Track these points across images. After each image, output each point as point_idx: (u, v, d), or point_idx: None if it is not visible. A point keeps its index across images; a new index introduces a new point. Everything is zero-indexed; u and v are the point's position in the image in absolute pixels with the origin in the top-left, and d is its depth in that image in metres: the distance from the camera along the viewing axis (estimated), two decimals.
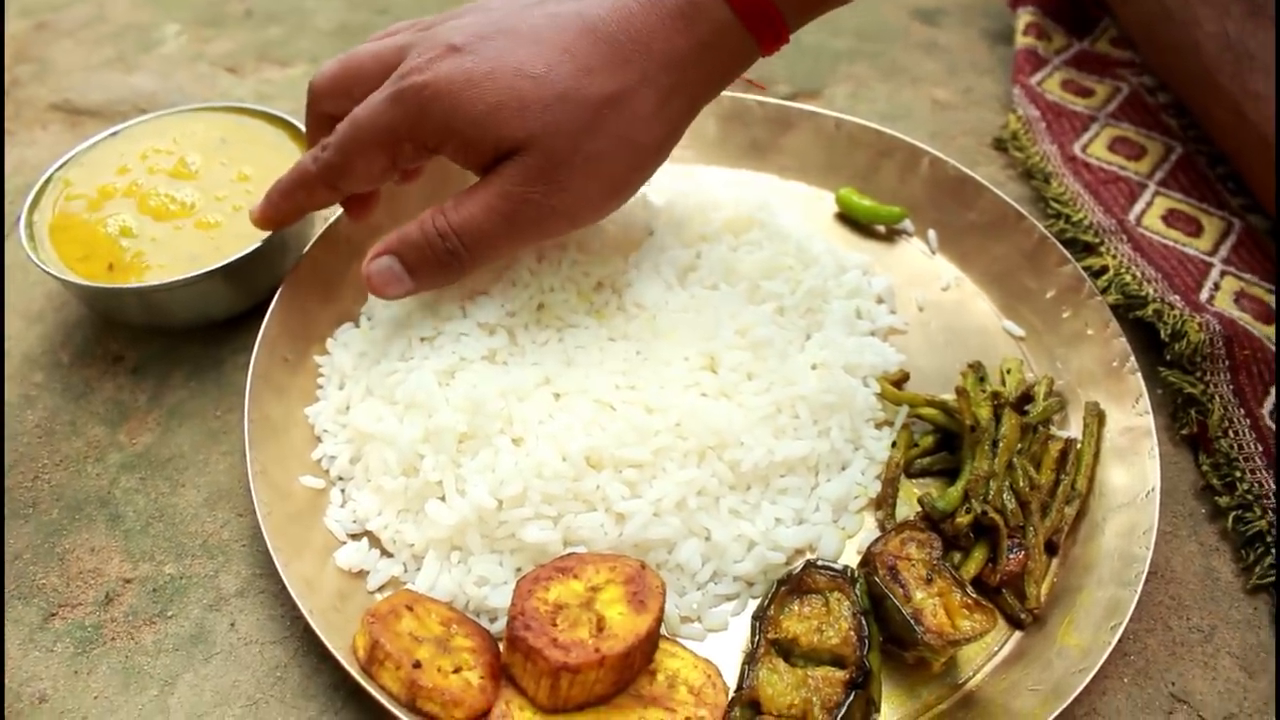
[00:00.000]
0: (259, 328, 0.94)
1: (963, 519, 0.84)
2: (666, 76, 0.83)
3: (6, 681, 0.80)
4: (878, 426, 0.95)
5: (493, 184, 0.84)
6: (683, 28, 0.83)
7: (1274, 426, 0.94)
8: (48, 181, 1.03)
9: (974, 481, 0.86)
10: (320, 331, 0.99)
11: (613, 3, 0.83)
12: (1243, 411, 0.95)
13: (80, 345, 1.05)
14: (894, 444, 0.94)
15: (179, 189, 1.03)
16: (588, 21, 0.82)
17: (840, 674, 0.75)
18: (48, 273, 0.95)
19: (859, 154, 1.15)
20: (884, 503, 0.90)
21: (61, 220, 1.01)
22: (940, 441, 0.94)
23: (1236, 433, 0.94)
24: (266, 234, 0.97)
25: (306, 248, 1.01)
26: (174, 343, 1.04)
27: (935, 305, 1.06)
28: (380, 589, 0.84)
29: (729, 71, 0.88)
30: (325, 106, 0.91)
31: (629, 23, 0.82)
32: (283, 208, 0.94)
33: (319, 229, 1.03)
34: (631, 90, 0.82)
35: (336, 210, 1.04)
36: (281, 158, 1.07)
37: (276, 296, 0.96)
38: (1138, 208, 1.14)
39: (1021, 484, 0.87)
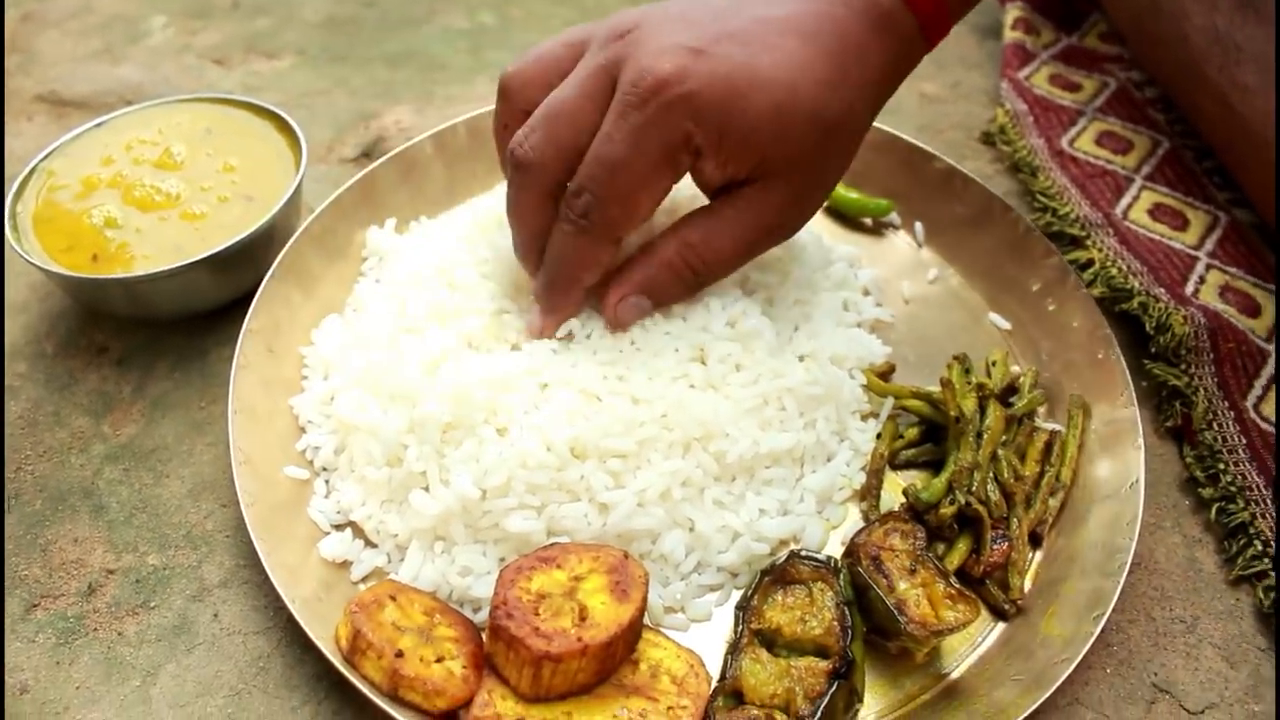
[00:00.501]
0: (243, 319, 0.94)
1: (946, 510, 0.84)
2: (875, 92, 0.83)
3: None
4: (863, 419, 0.96)
5: (747, 212, 0.83)
6: (883, 41, 0.82)
7: (1260, 419, 0.94)
8: (32, 172, 1.03)
9: (958, 473, 0.86)
10: (304, 322, 0.99)
11: (817, 11, 0.81)
12: (1227, 404, 0.95)
13: (64, 336, 1.04)
14: (879, 436, 0.94)
15: (164, 180, 1.03)
16: (806, 32, 0.80)
17: (823, 664, 0.75)
18: (32, 264, 0.95)
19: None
20: (868, 494, 0.90)
21: (46, 211, 1.01)
22: (925, 433, 0.94)
23: (1221, 425, 0.94)
24: (252, 225, 0.97)
25: (291, 240, 1.00)
26: (159, 334, 1.04)
27: (922, 298, 1.07)
28: (364, 579, 0.84)
29: (903, 79, 0.87)
30: (522, 101, 0.85)
31: (845, 37, 0.80)
32: (572, 298, 0.87)
33: (305, 221, 1.02)
34: (857, 111, 0.82)
35: (322, 202, 1.04)
36: (267, 148, 1.07)
37: (261, 287, 0.96)
38: (1124, 201, 1.14)
39: (1006, 475, 0.88)
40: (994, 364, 0.98)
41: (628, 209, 0.81)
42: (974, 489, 0.86)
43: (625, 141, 0.77)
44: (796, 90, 0.78)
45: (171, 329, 1.04)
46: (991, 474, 0.88)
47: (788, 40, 0.79)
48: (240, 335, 0.93)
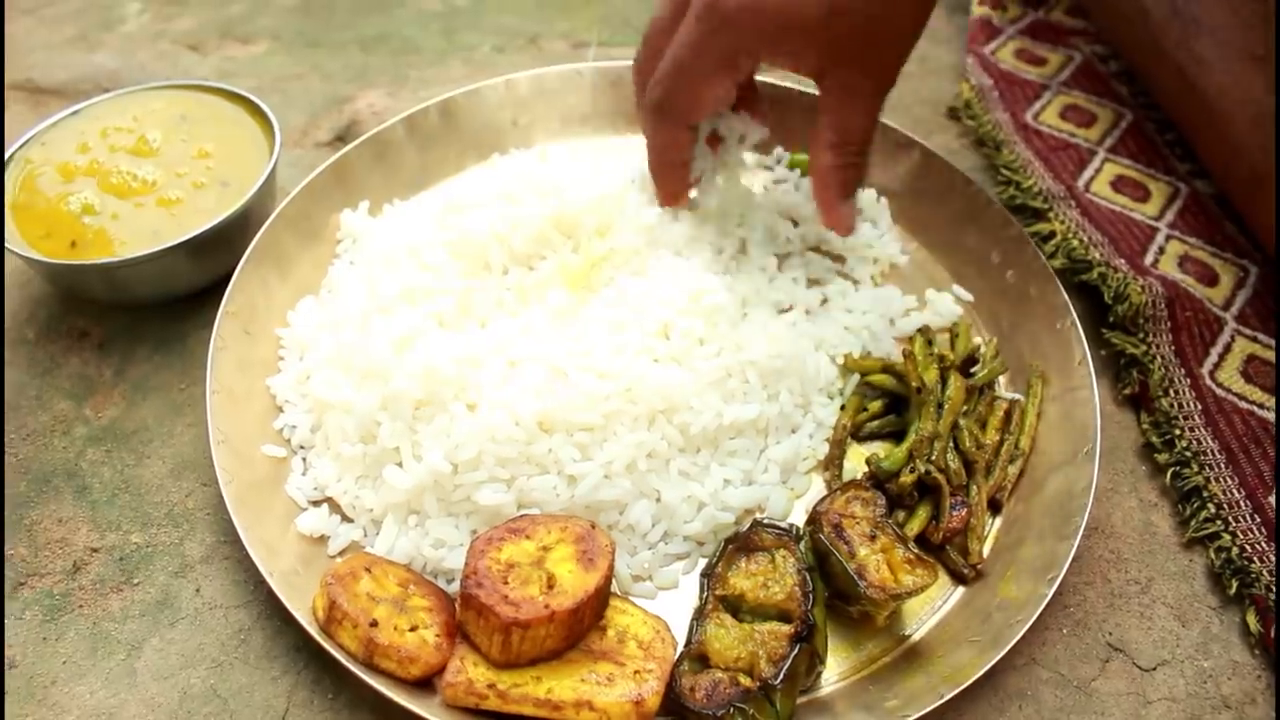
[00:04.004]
0: (221, 302, 0.96)
1: (907, 478, 0.87)
2: None
3: None
4: (829, 396, 0.98)
5: (844, 96, 0.91)
6: None
7: (1216, 386, 0.97)
8: (9, 160, 1.04)
9: (919, 442, 0.89)
10: (281, 304, 1.01)
11: None
12: (1183, 371, 0.98)
13: (45, 322, 1.06)
14: (843, 408, 0.96)
15: (140, 166, 1.04)
16: None
17: (786, 628, 0.78)
18: (11, 251, 0.97)
19: (813, 122, 1.16)
20: (831, 464, 0.92)
21: (24, 198, 1.02)
22: (889, 405, 0.97)
23: (1177, 392, 0.97)
24: (228, 210, 0.99)
25: (266, 223, 1.02)
26: (138, 318, 1.05)
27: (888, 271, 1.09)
28: (341, 553, 0.86)
29: None
30: (645, 73, 0.96)
31: None
32: (672, 176, 1.01)
33: (279, 204, 1.04)
34: None
35: (297, 185, 1.06)
36: (242, 133, 1.08)
37: (237, 271, 0.98)
38: (1087, 174, 1.16)
39: (967, 444, 0.90)
40: (957, 336, 1.01)
41: (692, 99, 0.93)
42: (934, 458, 0.88)
43: (689, 46, 0.89)
44: None
45: (150, 313, 1.06)
46: (953, 443, 0.90)
47: None
48: (218, 318, 0.95)
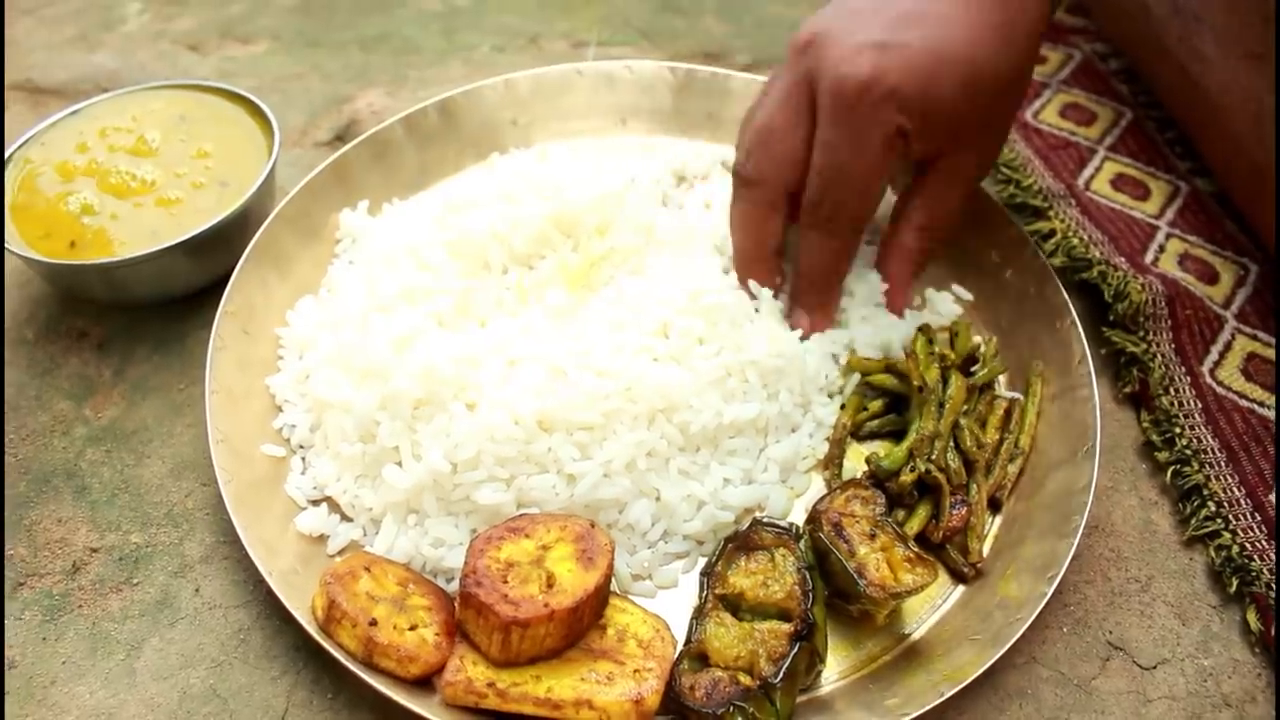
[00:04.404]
0: (220, 302, 0.96)
1: (907, 477, 0.87)
2: (1038, 34, 0.88)
3: None
4: (830, 396, 0.98)
5: (955, 177, 0.92)
6: None
7: (1216, 384, 0.97)
8: (8, 160, 1.04)
9: (919, 441, 0.89)
10: (280, 304, 1.00)
11: None
12: (1183, 369, 0.98)
13: (45, 322, 1.06)
14: (843, 407, 0.96)
15: (139, 166, 1.05)
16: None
17: (785, 627, 0.78)
18: (10, 251, 0.97)
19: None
20: (831, 463, 0.92)
21: (23, 199, 1.02)
22: (889, 404, 0.97)
23: (1177, 390, 0.97)
24: (227, 210, 0.99)
25: (266, 223, 1.02)
26: (137, 318, 1.06)
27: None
28: (340, 552, 0.86)
29: (1056, 12, 0.93)
30: (773, 193, 0.92)
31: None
32: (833, 293, 0.98)
33: (279, 204, 1.04)
34: (1027, 60, 0.89)
35: (296, 185, 1.06)
36: (241, 133, 1.08)
37: (237, 271, 0.98)
38: (1087, 172, 1.16)
39: (968, 444, 0.90)
40: (957, 335, 1.00)
41: (864, 201, 0.89)
42: (934, 457, 0.88)
43: (849, 145, 0.85)
44: (975, 62, 0.83)
45: (150, 313, 1.06)
46: (953, 442, 0.90)
47: (957, 10, 0.84)
48: (217, 317, 0.95)
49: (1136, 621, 0.86)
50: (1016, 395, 0.96)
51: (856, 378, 0.98)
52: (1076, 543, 0.82)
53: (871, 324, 1.00)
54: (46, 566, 0.88)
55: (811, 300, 0.97)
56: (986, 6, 0.84)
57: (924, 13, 0.84)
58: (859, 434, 0.95)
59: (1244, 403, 0.96)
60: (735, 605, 0.80)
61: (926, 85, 0.83)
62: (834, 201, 0.88)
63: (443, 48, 1.42)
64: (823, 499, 0.86)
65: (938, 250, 0.99)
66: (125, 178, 1.03)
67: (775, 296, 0.99)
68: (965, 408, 0.93)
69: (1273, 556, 0.86)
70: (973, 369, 0.98)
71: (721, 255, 1.02)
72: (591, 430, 0.85)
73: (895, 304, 0.99)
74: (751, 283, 0.97)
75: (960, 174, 0.93)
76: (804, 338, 0.97)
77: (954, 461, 0.89)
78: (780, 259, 0.98)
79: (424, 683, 0.76)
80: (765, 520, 0.84)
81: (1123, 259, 1.04)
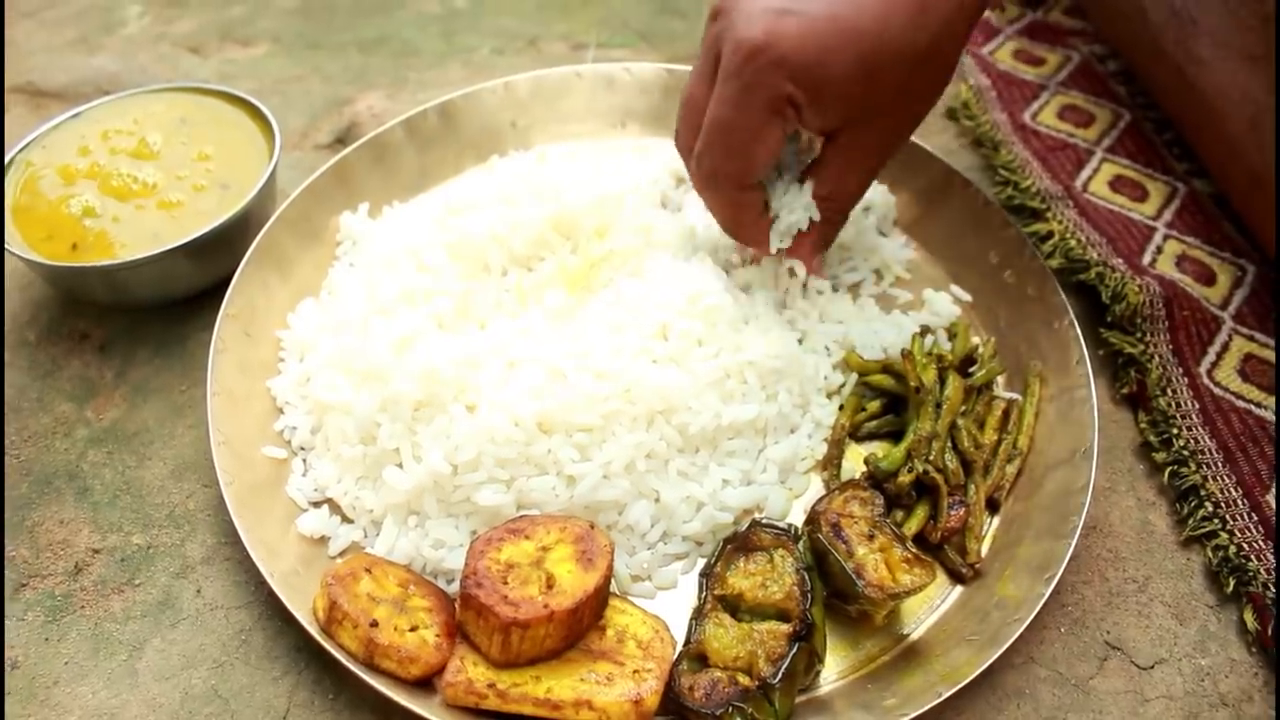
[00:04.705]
0: (221, 304, 0.96)
1: (905, 478, 0.87)
2: (961, 18, 0.85)
3: None
4: (828, 396, 0.98)
5: (854, 153, 0.90)
6: None
7: (1213, 385, 0.97)
8: (10, 163, 1.05)
9: (917, 442, 0.89)
10: (281, 306, 1.01)
11: None
12: (1181, 370, 0.98)
13: (46, 324, 1.06)
14: (841, 408, 0.96)
15: (140, 169, 1.05)
16: None
17: (784, 627, 0.78)
18: (12, 253, 0.97)
19: None
20: (830, 463, 0.93)
21: (25, 201, 1.02)
22: (887, 405, 0.97)
23: (1174, 391, 0.97)
24: (228, 212, 0.99)
25: (267, 226, 1.02)
26: (139, 320, 1.06)
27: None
28: (341, 554, 0.86)
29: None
30: (689, 144, 0.91)
31: None
32: (751, 236, 0.96)
33: (279, 207, 1.04)
34: (943, 44, 0.85)
35: (297, 188, 1.06)
36: (242, 136, 1.09)
37: (238, 273, 0.98)
38: (1085, 174, 1.17)
39: (966, 444, 0.90)
40: (955, 336, 1.01)
41: (742, 163, 0.88)
42: (932, 458, 0.88)
43: (731, 104, 0.84)
44: (882, 37, 0.81)
45: (151, 315, 1.06)
46: (950, 443, 0.90)
47: None
48: (218, 320, 0.95)
49: (1134, 621, 0.86)
50: (1015, 396, 0.97)
51: (855, 378, 0.98)
52: (1074, 543, 0.82)
53: (870, 325, 1.00)
54: (49, 567, 0.88)
55: (739, 241, 0.99)
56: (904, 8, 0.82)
57: None
58: (857, 435, 0.96)
59: (1241, 403, 0.96)
60: (734, 606, 0.80)
61: (820, 56, 0.81)
62: (712, 159, 0.88)
63: (442, 50, 1.42)
64: (821, 500, 0.86)
65: (838, 225, 0.97)
66: (127, 180, 1.04)
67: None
68: (963, 408, 0.93)
69: (1269, 556, 0.86)
70: (971, 370, 0.98)
71: (718, 253, 1.03)
72: (591, 432, 0.85)
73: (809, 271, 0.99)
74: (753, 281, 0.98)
75: (861, 149, 0.90)
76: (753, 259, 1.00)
77: (952, 462, 0.89)
78: (764, 223, 0.96)
79: (425, 683, 0.76)
80: (764, 521, 0.84)
81: (1120, 260, 1.04)
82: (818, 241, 0.97)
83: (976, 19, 0.88)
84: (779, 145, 0.87)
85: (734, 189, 0.91)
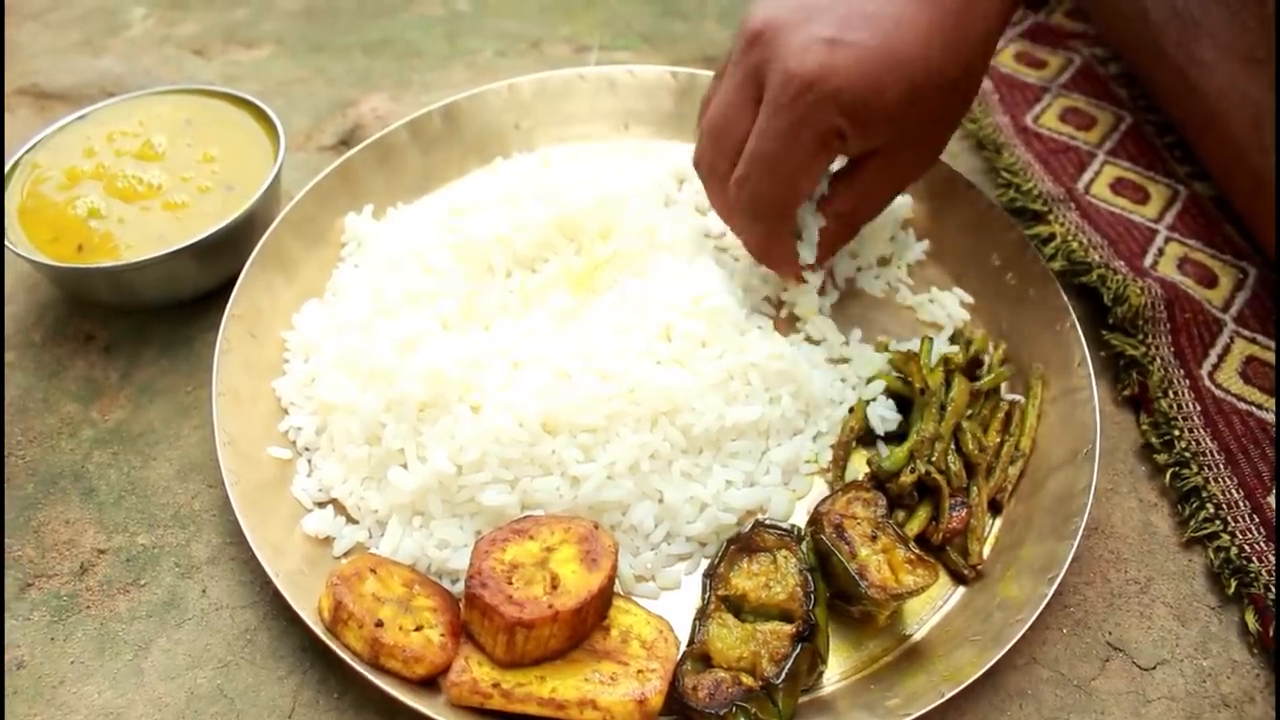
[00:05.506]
0: (226, 305, 0.97)
1: (907, 479, 0.87)
2: (991, 42, 0.86)
3: None
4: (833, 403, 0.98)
5: (885, 174, 0.91)
6: None
7: (1215, 387, 0.97)
8: (16, 165, 1.05)
9: (919, 443, 0.89)
10: (285, 307, 1.01)
11: None
12: (1182, 372, 0.98)
13: (52, 325, 1.07)
14: (851, 410, 0.96)
15: (146, 170, 1.05)
16: None
17: (787, 628, 0.78)
18: (18, 254, 0.98)
19: None
20: (835, 465, 0.93)
21: (31, 203, 1.03)
22: (896, 408, 0.97)
23: (1176, 393, 0.97)
24: (233, 214, 1.00)
25: (271, 227, 1.03)
26: (144, 321, 1.06)
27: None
28: (346, 554, 0.87)
29: (1010, 20, 0.89)
30: (721, 169, 0.91)
31: None
32: (783, 264, 0.96)
33: (284, 208, 1.05)
34: (976, 66, 0.87)
35: (301, 189, 1.06)
36: (246, 137, 1.09)
37: (243, 274, 0.99)
38: (1086, 176, 1.17)
39: (970, 446, 0.91)
40: (970, 342, 1.00)
41: (787, 193, 0.88)
42: (934, 459, 0.88)
43: (780, 137, 0.83)
44: (928, 64, 0.82)
45: (156, 316, 1.06)
46: (954, 444, 0.91)
47: (909, 9, 0.82)
48: (223, 321, 0.95)
49: (1136, 622, 0.86)
50: (1017, 398, 0.97)
51: (860, 387, 0.98)
52: (1076, 544, 0.83)
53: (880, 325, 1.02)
54: (54, 567, 0.89)
55: (767, 265, 0.98)
56: (945, 11, 0.83)
57: (877, 12, 0.82)
58: (862, 436, 0.96)
59: (1243, 405, 0.96)
60: (738, 606, 0.80)
61: (871, 87, 0.81)
62: (755, 187, 0.87)
63: (445, 52, 1.42)
64: (824, 501, 0.86)
65: (850, 236, 0.98)
66: (132, 182, 1.04)
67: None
68: (969, 412, 0.93)
69: (1271, 558, 0.86)
70: (977, 372, 0.98)
71: (721, 255, 1.03)
72: (595, 432, 0.85)
73: (795, 272, 0.98)
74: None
75: (894, 172, 0.92)
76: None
77: (955, 464, 0.89)
78: (795, 252, 0.96)
79: (429, 683, 0.77)
80: (767, 522, 0.84)
81: (1122, 262, 1.05)
82: (830, 253, 0.98)
83: (999, 39, 0.89)
84: (819, 175, 0.88)
85: (775, 219, 0.91)
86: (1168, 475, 0.94)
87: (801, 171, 0.86)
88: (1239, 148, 1.07)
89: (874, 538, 0.83)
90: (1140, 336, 1.00)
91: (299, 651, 0.83)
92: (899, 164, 0.91)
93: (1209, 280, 1.07)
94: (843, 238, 0.97)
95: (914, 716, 0.75)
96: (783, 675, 0.75)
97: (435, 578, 0.84)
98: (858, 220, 0.96)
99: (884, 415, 0.95)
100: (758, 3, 0.87)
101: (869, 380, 0.97)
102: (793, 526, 0.84)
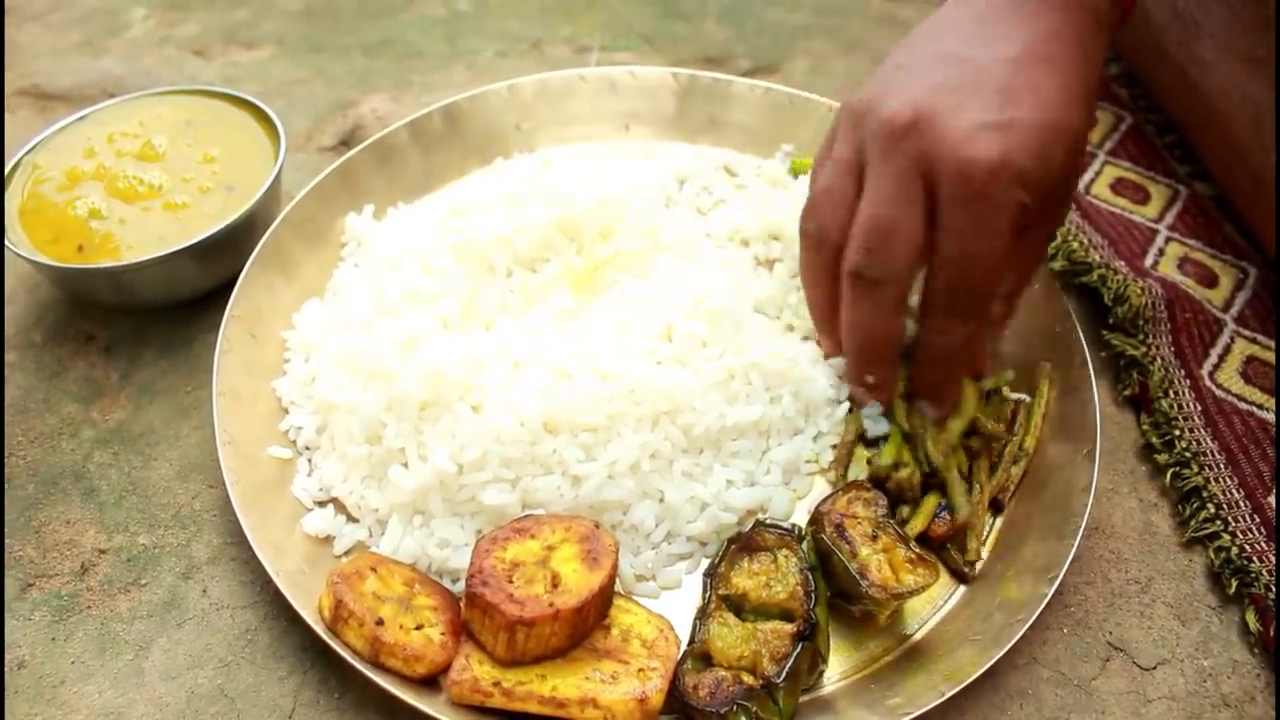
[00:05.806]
0: (227, 305, 0.97)
1: (900, 475, 0.88)
2: (1100, 85, 0.88)
3: None
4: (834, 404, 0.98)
5: (1041, 246, 0.93)
6: (1101, 37, 0.86)
7: (1215, 387, 0.97)
8: (16, 165, 1.05)
9: (915, 442, 0.90)
10: (286, 307, 1.01)
11: (1048, 30, 0.83)
12: (1183, 372, 0.98)
13: (52, 325, 1.07)
14: (852, 410, 0.96)
15: (146, 171, 1.05)
16: (1054, 60, 0.82)
17: (788, 627, 0.78)
18: (19, 255, 0.98)
19: (813, 127, 1.17)
20: (838, 464, 0.93)
21: (31, 203, 1.03)
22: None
23: (1176, 393, 0.97)
24: (234, 214, 1.00)
25: (272, 227, 1.03)
26: (144, 321, 1.06)
27: None
28: (346, 553, 0.87)
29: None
30: (833, 248, 0.87)
31: (1079, 48, 0.84)
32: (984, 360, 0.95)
33: (284, 209, 1.05)
34: (1095, 110, 0.88)
35: (302, 190, 1.06)
36: (247, 138, 1.09)
37: (243, 274, 0.99)
38: (1087, 176, 1.17)
39: (974, 445, 0.91)
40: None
41: (995, 282, 0.85)
42: (923, 455, 0.89)
43: (979, 231, 0.80)
44: (1076, 125, 0.82)
45: (157, 317, 1.06)
46: (969, 434, 0.91)
47: (1045, 77, 0.81)
48: (223, 321, 0.95)
49: (1136, 622, 0.86)
50: (1022, 397, 0.97)
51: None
52: (1077, 544, 0.83)
53: None
54: (55, 567, 0.89)
55: (930, 382, 0.92)
56: (1072, 71, 0.82)
57: (1017, 86, 0.81)
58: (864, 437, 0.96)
59: (1243, 405, 0.96)
60: (738, 606, 0.80)
61: (1043, 160, 0.80)
62: (968, 288, 0.83)
63: (446, 53, 1.42)
64: (825, 500, 0.86)
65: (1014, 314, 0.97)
66: (132, 182, 1.04)
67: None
68: (976, 415, 0.93)
69: (1271, 558, 0.86)
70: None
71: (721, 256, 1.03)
72: (596, 432, 0.86)
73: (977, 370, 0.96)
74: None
75: (1046, 238, 0.92)
76: (860, 405, 0.94)
77: (961, 465, 0.90)
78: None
79: (430, 682, 0.77)
80: (768, 521, 0.84)
81: (1122, 263, 1.05)
82: (999, 331, 0.98)
83: None
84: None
85: (981, 315, 0.87)
86: (1168, 475, 0.94)
87: (1004, 259, 0.82)
88: (1239, 147, 1.07)
89: (874, 537, 0.83)
90: (1141, 336, 1.00)
91: (299, 651, 0.83)
92: (1052, 224, 0.90)
93: (1209, 280, 1.07)
94: (1006, 319, 0.97)
95: (914, 716, 0.75)
96: (783, 674, 0.75)
97: (436, 577, 0.84)
98: (1020, 294, 0.95)
99: (874, 419, 0.94)
100: (884, 90, 0.84)
101: None
102: (793, 526, 0.84)
